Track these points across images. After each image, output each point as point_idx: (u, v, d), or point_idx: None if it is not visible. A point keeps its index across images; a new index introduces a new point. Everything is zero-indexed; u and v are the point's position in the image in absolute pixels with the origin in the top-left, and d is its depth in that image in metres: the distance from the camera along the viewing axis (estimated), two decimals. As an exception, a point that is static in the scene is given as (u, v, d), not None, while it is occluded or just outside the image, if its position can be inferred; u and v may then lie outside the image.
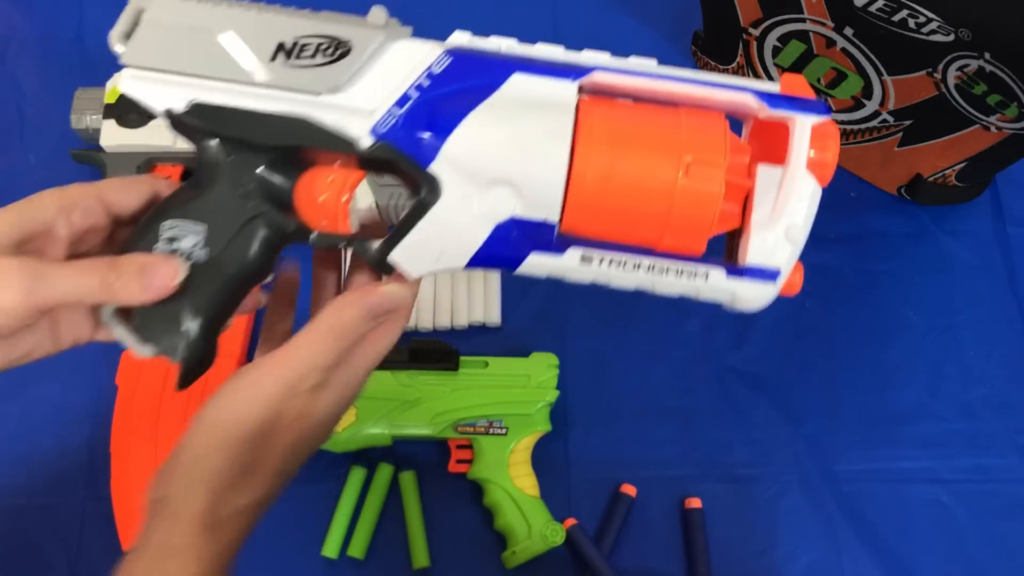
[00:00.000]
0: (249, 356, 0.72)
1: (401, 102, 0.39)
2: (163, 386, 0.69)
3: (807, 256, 0.40)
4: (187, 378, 0.41)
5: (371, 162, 0.40)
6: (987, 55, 0.61)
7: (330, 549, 0.67)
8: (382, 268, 0.40)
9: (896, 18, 0.62)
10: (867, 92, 0.71)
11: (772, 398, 0.73)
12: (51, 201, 0.39)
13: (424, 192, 0.39)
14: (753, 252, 0.39)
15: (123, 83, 0.39)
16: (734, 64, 0.78)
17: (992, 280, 0.78)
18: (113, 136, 0.76)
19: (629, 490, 0.69)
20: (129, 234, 0.40)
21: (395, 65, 0.39)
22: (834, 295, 0.77)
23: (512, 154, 0.39)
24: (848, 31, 0.66)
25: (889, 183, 0.79)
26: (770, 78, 0.76)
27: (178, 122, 0.39)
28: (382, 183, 0.74)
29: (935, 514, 0.70)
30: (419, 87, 0.39)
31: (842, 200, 0.80)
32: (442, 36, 0.85)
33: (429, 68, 0.39)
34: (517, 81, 0.39)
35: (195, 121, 0.39)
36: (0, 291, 0.35)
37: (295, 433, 0.41)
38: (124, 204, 0.40)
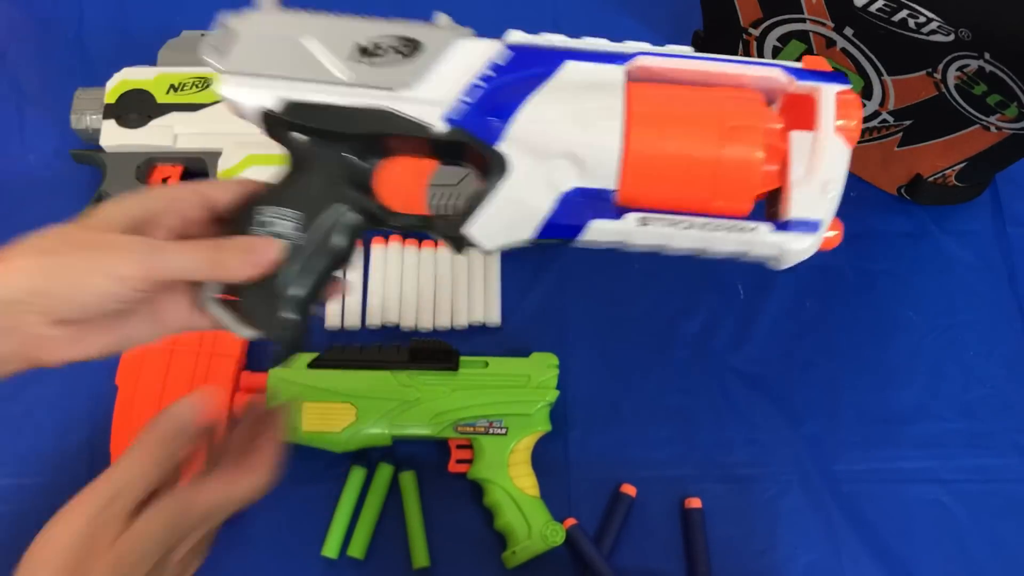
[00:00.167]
0: (249, 356, 0.72)
1: (469, 91, 0.43)
2: (163, 386, 0.69)
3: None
4: (283, 356, 0.44)
5: (445, 146, 0.44)
6: (987, 55, 0.61)
7: (330, 549, 0.67)
8: (459, 243, 0.44)
9: (896, 18, 0.62)
10: (867, 92, 0.71)
11: (772, 398, 0.73)
12: (159, 193, 0.43)
13: (494, 169, 0.43)
14: (795, 206, 0.43)
15: (222, 88, 0.43)
16: (734, 64, 0.78)
17: (992, 280, 0.78)
18: (113, 136, 0.76)
19: (629, 490, 0.69)
20: (228, 224, 0.43)
21: (462, 59, 0.44)
22: (834, 295, 0.77)
23: (571, 129, 0.43)
24: (848, 31, 0.66)
25: (889, 183, 0.79)
26: (770, 78, 0.76)
27: (272, 119, 0.43)
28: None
29: (935, 514, 0.70)
30: (485, 77, 0.44)
31: (842, 200, 0.79)
32: None
33: (493, 61, 0.44)
34: (570, 67, 0.44)
35: (288, 118, 0.43)
36: (120, 262, 0.39)
37: (111, 559, 0.41)
38: (222, 199, 0.43)
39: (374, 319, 0.74)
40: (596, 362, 0.74)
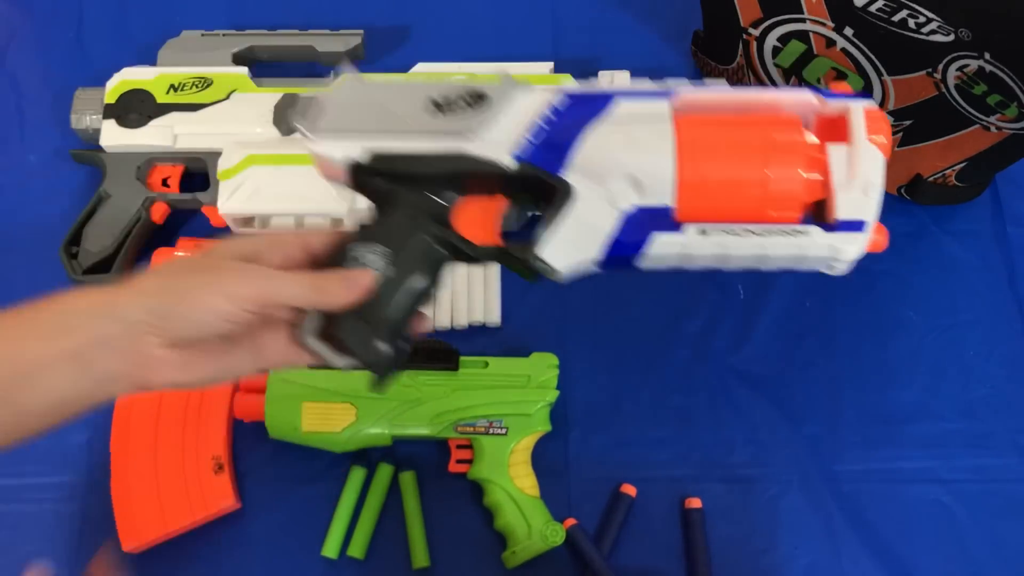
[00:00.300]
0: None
1: (534, 131, 0.49)
2: (163, 386, 0.69)
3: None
4: (379, 383, 0.49)
5: (515, 180, 0.49)
6: (987, 55, 0.61)
7: (330, 549, 0.67)
8: (533, 271, 0.49)
9: (896, 18, 0.62)
10: (867, 92, 0.71)
11: (772, 398, 0.73)
12: (265, 235, 0.49)
13: (560, 196, 0.48)
14: (840, 208, 0.48)
15: (314, 147, 0.49)
16: (734, 64, 0.78)
17: (992, 280, 0.77)
18: (113, 136, 0.76)
19: (629, 490, 0.69)
20: (324, 264, 0.48)
21: (524, 106, 0.49)
22: (834, 295, 0.77)
23: (627, 154, 0.48)
24: (848, 31, 0.66)
25: (889, 183, 0.79)
26: (770, 78, 0.76)
27: (359, 169, 0.49)
28: None
29: (935, 514, 0.70)
30: (546, 119, 0.49)
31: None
32: (441, 35, 0.87)
33: (552, 105, 0.49)
34: (621, 104, 0.49)
35: (374, 166, 0.49)
36: (237, 283, 0.43)
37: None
38: (319, 243, 0.48)
39: (374, 319, 0.74)
40: (596, 362, 0.74)
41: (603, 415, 0.72)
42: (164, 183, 0.77)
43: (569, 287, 0.79)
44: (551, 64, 0.80)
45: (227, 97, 0.77)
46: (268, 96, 0.76)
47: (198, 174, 0.77)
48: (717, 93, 0.50)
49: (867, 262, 0.79)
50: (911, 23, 0.62)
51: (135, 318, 0.42)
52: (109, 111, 0.77)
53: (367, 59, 0.83)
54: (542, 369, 0.70)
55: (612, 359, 0.74)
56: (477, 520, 0.69)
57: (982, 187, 0.78)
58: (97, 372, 0.42)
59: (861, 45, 0.67)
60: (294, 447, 0.69)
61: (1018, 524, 0.69)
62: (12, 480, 0.69)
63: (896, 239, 0.79)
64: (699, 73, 0.84)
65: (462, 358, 0.69)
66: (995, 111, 0.65)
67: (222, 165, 0.75)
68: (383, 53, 0.85)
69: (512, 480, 0.67)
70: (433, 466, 0.70)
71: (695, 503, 0.69)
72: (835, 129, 0.49)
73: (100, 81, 0.78)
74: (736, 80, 0.80)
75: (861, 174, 0.48)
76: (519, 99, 0.50)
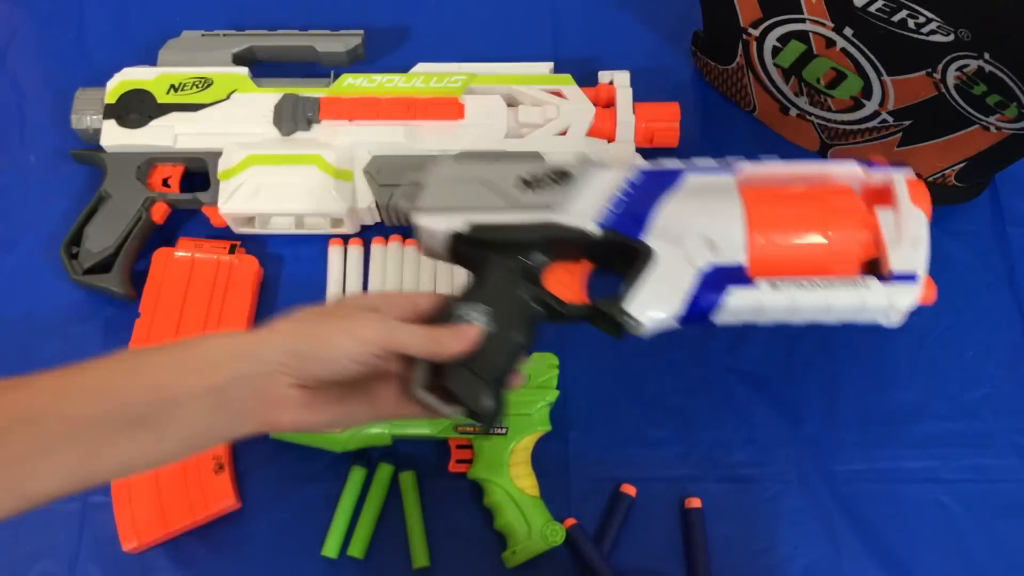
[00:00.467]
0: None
1: (614, 202, 0.56)
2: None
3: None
4: (486, 431, 0.61)
5: (600, 245, 0.56)
6: (987, 55, 0.61)
7: (330, 549, 0.67)
8: (620, 320, 0.54)
9: (896, 18, 0.62)
10: (867, 92, 0.71)
11: (772, 398, 0.73)
12: (381, 295, 0.58)
13: (642, 257, 0.55)
14: (893, 261, 0.55)
15: (420, 220, 0.56)
16: (734, 64, 0.78)
17: (992, 280, 0.77)
18: (113, 136, 0.76)
19: (629, 490, 0.69)
20: (431, 322, 0.52)
21: (605, 182, 0.57)
22: (834, 295, 0.77)
23: (701, 219, 0.55)
24: (848, 31, 0.66)
25: (889, 183, 0.79)
26: (770, 78, 0.76)
27: (460, 239, 0.56)
28: (383, 183, 0.74)
29: (935, 514, 0.70)
30: (624, 191, 0.57)
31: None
32: (441, 35, 0.87)
33: (629, 180, 0.57)
34: (690, 177, 0.58)
35: (474, 235, 0.56)
36: (365, 328, 0.48)
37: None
38: (426, 304, 0.53)
39: (374, 319, 0.74)
40: (596, 362, 0.74)
41: (603, 415, 0.72)
42: (164, 183, 0.77)
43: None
44: (551, 64, 0.80)
45: (227, 97, 0.77)
46: (268, 96, 0.77)
47: (198, 174, 0.77)
48: (775, 166, 0.58)
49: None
50: (911, 23, 0.62)
51: (271, 358, 0.46)
52: (109, 111, 0.77)
53: (367, 59, 0.83)
54: (542, 369, 0.70)
55: (612, 359, 0.74)
56: (477, 520, 0.69)
57: (982, 187, 0.78)
58: (233, 408, 0.46)
59: (861, 45, 0.67)
60: (294, 447, 0.69)
61: (1018, 524, 0.69)
62: (12, 480, 0.69)
63: (896, 239, 0.80)
64: (698, 73, 0.84)
65: (462, 358, 0.70)
66: (995, 111, 0.65)
67: (222, 165, 0.75)
68: (383, 53, 0.85)
69: (512, 480, 0.67)
70: (433, 466, 0.70)
71: (695, 503, 0.69)
72: (879, 196, 0.57)
73: (100, 81, 0.78)
74: (736, 80, 0.80)
75: (909, 232, 0.55)
76: (599, 175, 0.57)
